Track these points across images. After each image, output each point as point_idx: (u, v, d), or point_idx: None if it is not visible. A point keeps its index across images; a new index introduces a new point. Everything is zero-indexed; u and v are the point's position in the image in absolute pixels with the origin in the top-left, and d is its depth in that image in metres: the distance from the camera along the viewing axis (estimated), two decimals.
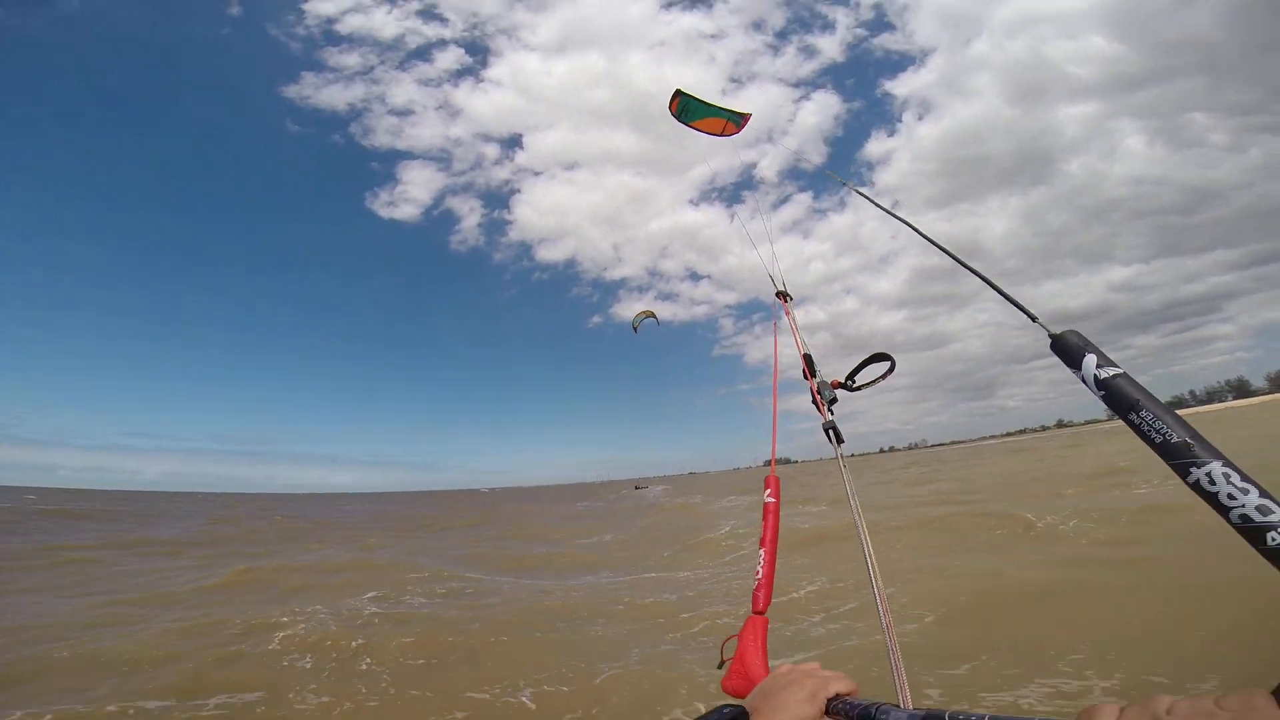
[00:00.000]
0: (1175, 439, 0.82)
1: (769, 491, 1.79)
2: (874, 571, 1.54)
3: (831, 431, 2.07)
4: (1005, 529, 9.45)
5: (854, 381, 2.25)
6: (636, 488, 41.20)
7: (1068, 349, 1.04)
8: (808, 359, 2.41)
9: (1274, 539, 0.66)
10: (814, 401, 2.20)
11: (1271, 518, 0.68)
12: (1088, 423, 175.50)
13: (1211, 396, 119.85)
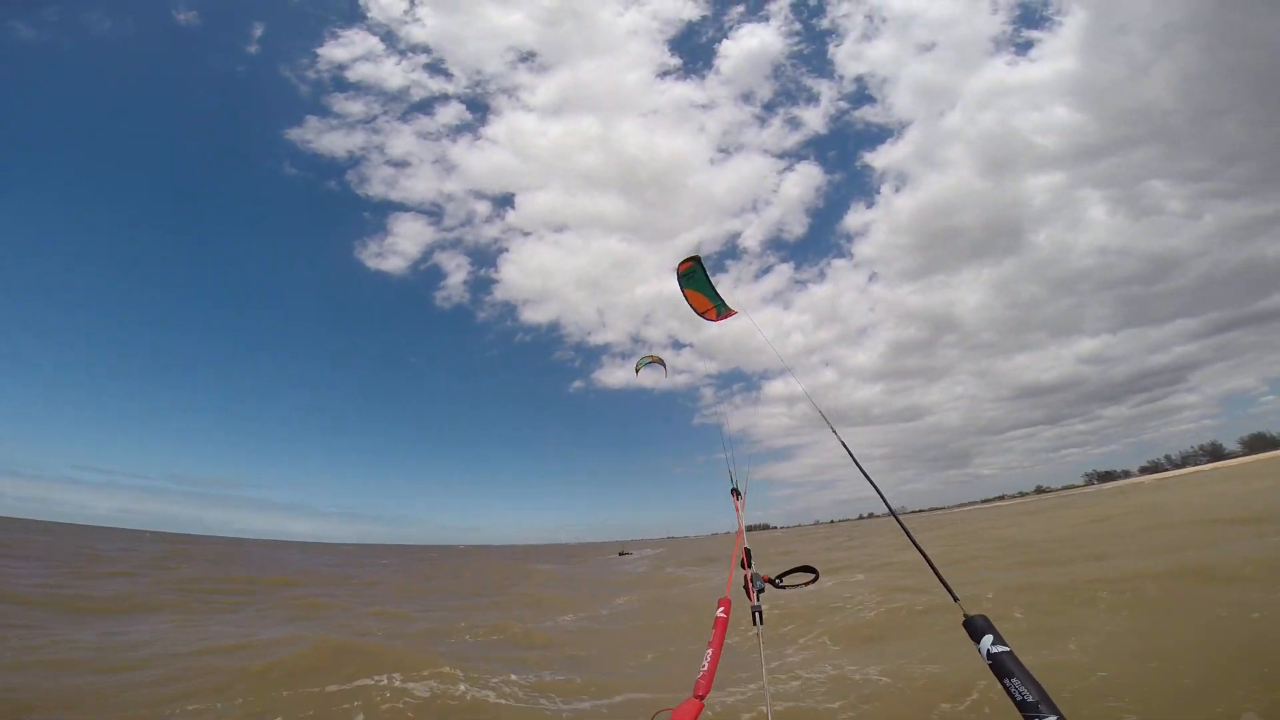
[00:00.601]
0: (1030, 699, 1.17)
1: (721, 609, 2.18)
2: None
3: (758, 614, 2.36)
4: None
5: (781, 581, 2.62)
6: (621, 554, 39.86)
7: (972, 628, 1.39)
8: (747, 553, 2.75)
9: None
10: (745, 589, 2.54)
11: None
12: (1065, 488, 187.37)
13: (1186, 461, 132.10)
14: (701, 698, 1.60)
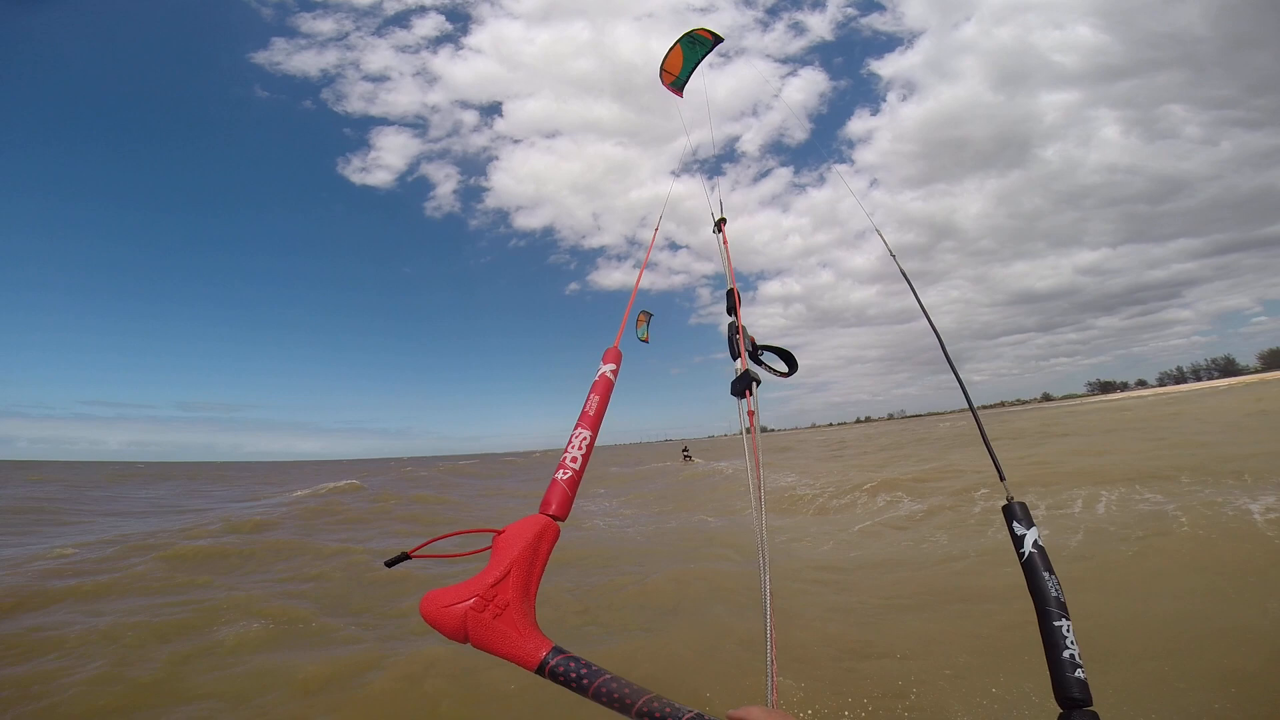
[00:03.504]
0: (1062, 597, 1.09)
1: (611, 366, 1.46)
2: (764, 562, 1.39)
3: (752, 383, 1.90)
4: None
5: (761, 353, 2.16)
6: (685, 456, 36.29)
7: (1013, 514, 1.27)
8: (734, 295, 2.25)
9: (1075, 664, 0.99)
10: (730, 341, 2.08)
11: (1079, 664, 1.00)
12: (1065, 397, 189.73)
13: (1199, 374, 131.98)
14: (557, 518, 1.04)
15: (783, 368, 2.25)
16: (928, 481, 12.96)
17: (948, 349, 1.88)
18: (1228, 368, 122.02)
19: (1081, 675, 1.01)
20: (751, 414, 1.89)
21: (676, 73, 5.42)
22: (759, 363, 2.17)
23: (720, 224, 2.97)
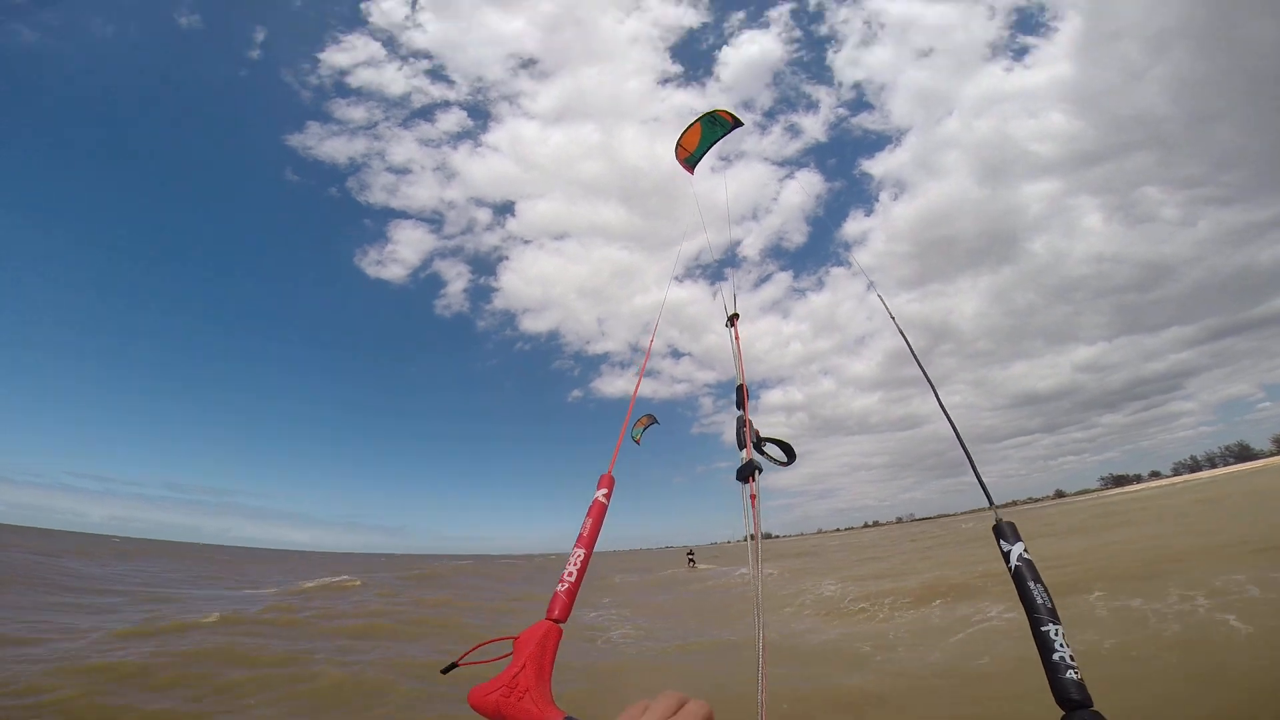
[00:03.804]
0: (1049, 604, 1.21)
1: (604, 491, 1.64)
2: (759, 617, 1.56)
3: (754, 473, 2.00)
4: None
5: (764, 446, 2.30)
6: (690, 560, 34.93)
7: (1002, 532, 1.41)
8: (742, 390, 2.41)
9: (1067, 666, 1.07)
10: (738, 433, 2.21)
11: (1072, 666, 1.08)
12: (1079, 493, 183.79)
13: (1215, 462, 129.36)
14: (559, 621, 1.27)
15: (783, 457, 2.37)
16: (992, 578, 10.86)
17: (960, 440, 1.96)
18: (1242, 453, 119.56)
19: (1076, 676, 1.07)
20: (754, 497, 1.98)
21: (692, 149, 5.36)
22: (762, 453, 2.29)
23: (733, 319, 3.00)
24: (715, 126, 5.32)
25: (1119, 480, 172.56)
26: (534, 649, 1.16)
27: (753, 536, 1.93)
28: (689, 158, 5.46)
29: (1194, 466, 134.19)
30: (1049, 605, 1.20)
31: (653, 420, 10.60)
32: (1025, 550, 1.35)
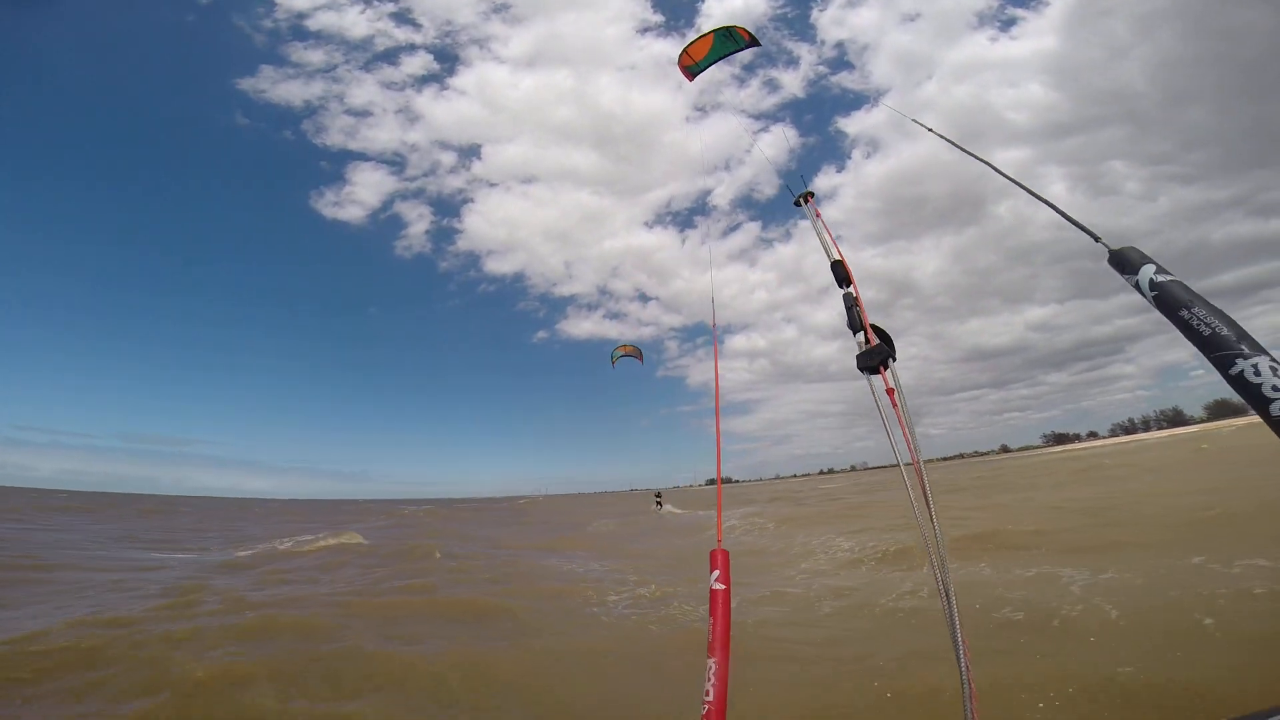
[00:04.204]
0: (1224, 332, 0.92)
1: (716, 574, 1.34)
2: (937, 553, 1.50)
3: (887, 361, 1.75)
4: None
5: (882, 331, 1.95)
6: (658, 501, 35.37)
7: (1125, 261, 1.22)
8: (843, 266, 2.10)
9: None
10: (850, 312, 1.94)
11: None
12: (1022, 449, 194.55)
13: (1148, 425, 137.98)
14: None
15: (885, 349, 1.93)
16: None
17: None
18: (1175, 418, 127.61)
19: None
20: (891, 392, 1.67)
21: (699, 59, 5.21)
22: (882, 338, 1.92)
23: (806, 197, 2.79)
24: (729, 41, 5.20)
25: (1060, 438, 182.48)
26: None
27: (916, 462, 1.53)
28: (693, 65, 5.26)
29: (1129, 429, 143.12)
30: (1223, 331, 0.93)
31: (637, 352, 10.09)
32: (1158, 272, 1.16)
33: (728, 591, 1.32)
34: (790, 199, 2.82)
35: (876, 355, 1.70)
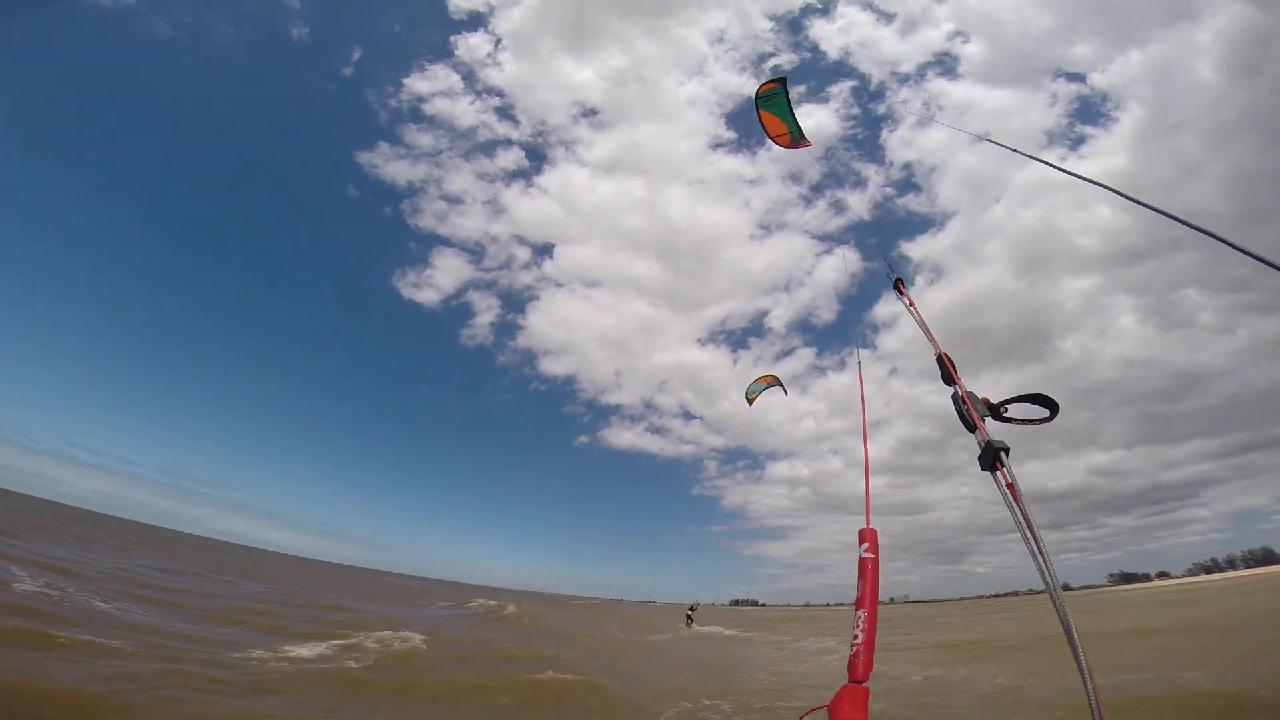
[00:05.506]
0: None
1: (865, 546, 1.63)
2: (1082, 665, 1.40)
3: (1000, 456, 1.66)
4: None
5: (1006, 410, 1.92)
6: (689, 615, 32.11)
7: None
8: (945, 361, 2.01)
9: None
10: (960, 413, 1.85)
11: None
12: (1084, 587, 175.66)
13: (1234, 564, 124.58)
14: (861, 681, 1.28)
15: (1041, 412, 1.98)
16: None
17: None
18: (1265, 558, 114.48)
19: None
20: (1011, 486, 1.64)
21: (785, 129, 5.41)
22: (1005, 418, 1.92)
23: (898, 284, 2.81)
24: (773, 101, 5.15)
25: (1128, 577, 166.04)
26: (858, 715, 1.19)
27: (1037, 549, 1.55)
28: (792, 135, 5.27)
29: (1210, 568, 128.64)
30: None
31: (779, 382, 9.48)
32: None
33: (876, 560, 1.59)
34: (889, 280, 2.80)
35: (990, 455, 1.66)
